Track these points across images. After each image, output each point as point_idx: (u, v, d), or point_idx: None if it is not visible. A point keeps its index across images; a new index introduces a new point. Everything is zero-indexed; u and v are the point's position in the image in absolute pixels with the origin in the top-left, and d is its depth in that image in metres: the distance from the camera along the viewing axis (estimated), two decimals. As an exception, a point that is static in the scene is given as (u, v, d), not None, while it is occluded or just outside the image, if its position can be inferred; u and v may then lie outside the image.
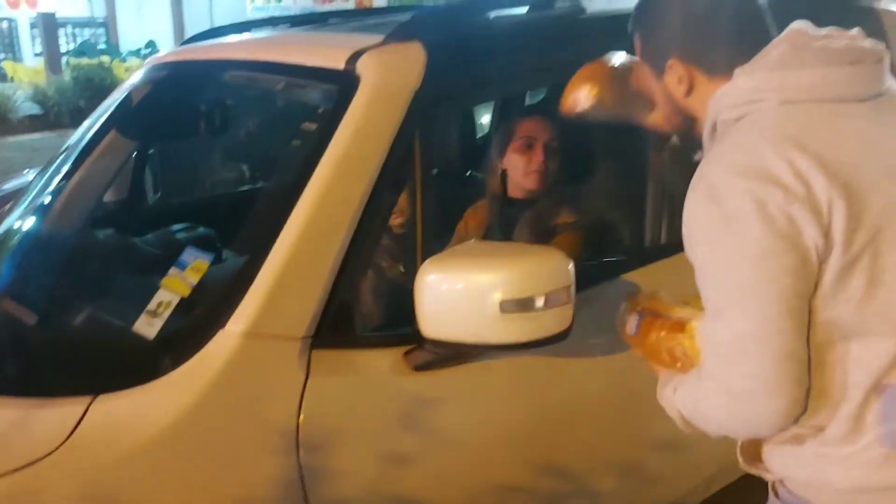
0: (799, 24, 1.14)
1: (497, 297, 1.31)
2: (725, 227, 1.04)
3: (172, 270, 1.45)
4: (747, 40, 1.15)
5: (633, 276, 1.79)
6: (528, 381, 1.59)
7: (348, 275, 1.41)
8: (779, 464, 1.18)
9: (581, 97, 1.57)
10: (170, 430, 1.26)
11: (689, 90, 1.22)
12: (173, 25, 17.54)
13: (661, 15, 1.24)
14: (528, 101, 2.71)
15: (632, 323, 1.35)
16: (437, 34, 1.61)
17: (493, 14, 1.77)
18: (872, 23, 2.44)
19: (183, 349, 1.33)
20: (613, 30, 1.84)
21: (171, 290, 1.44)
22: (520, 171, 2.05)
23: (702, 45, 1.20)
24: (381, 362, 1.44)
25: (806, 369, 1.04)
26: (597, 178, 2.23)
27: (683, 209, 1.16)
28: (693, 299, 1.40)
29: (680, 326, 1.27)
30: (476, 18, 1.71)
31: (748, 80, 1.11)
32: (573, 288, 1.37)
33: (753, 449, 1.24)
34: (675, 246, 1.85)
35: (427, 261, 1.37)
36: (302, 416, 1.33)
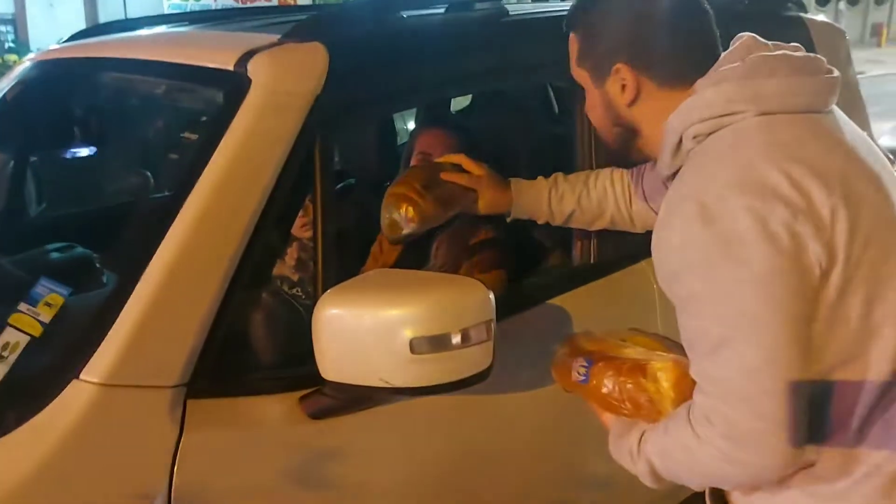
0: (749, 35, 1.10)
1: (407, 334, 1.13)
2: (723, 250, 0.94)
3: (22, 305, 1.22)
4: (701, 51, 1.09)
5: (563, 301, 1.66)
6: (444, 423, 1.42)
7: (233, 309, 1.21)
8: None
9: (400, 220, 1.51)
10: (10, 500, 1.04)
11: (634, 99, 1.13)
12: (87, 23, 16.77)
13: (609, 15, 1.14)
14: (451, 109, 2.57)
15: (579, 370, 1.20)
16: (341, 35, 1.43)
17: (406, 14, 1.60)
18: (801, 33, 2.41)
19: (31, 401, 1.11)
20: (537, 33, 1.73)
21: (20, 329, 1.21)
22: None
23: (654, 52, 1.11)
24: (272, 410, 1.24)
25: (808, 404, 0.96)
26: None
27: (659, 236, 1.05)
28: (629, 336, 1.27)
29: (640, 369, 1.14)
30: (387, 18, 1.54)
31: (718, 92, 1.04)
32: (494, 322, 1.21)
33: (722, 494, 1.13)
34: (608, 264, 1.77)
35: (326, 293, 1.19)
36: (176, 478, 1.13)
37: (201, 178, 1.22)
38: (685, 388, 1.06)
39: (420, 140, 1.91)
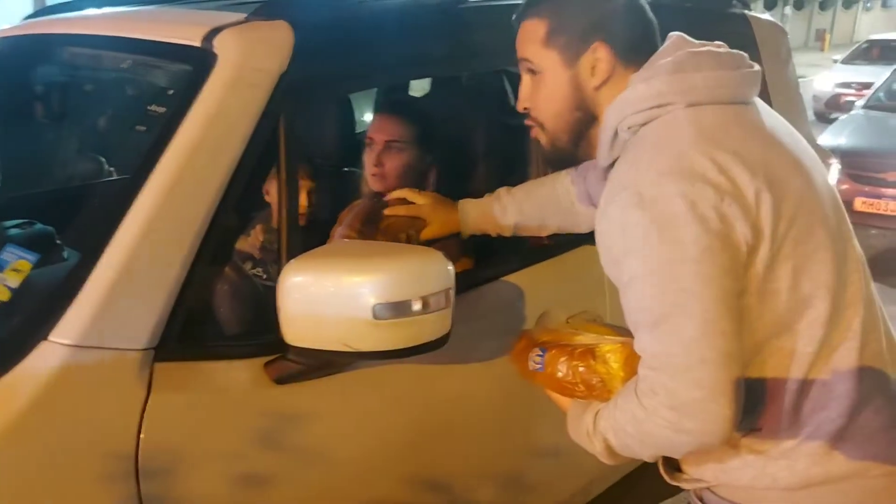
0: (678, 34, 1.17)
1: (370, 300, 1.19)
2: (659, 233, 1.02)
3: (-11, 271, 1.24)
4: (653, 39, 1.18)
5: (516, 278, 1.73)
6: (403, 391, 1.48)
7: (199, 277, 1.24)
8: (713, 472, 1.15)
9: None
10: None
11: (605, 81, 1.17)
12: (34, 6, 16.28)
13: None
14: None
15: (534, 359, 1.27)
16: (306, 14, 1.47)
17: (367, -2, 1.64)
18: (744, 30, 2.52)
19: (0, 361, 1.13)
20: (496, 20, 1.79)
21: (-13, 294, 1.22)
22: (367, 170, 1.95)
23: (628, 32, 1.16)
24: (238, 375, 1.28)
25: (744, 371, 1.03)
26: (474, 175, 2.15)
27: (601, 224, 1.12)
28: (582, 325, 1.35)
29: (590, 353, 1.21)
30: (349, 1, 1.58)
31: (649, 86, 1.11)
32: (453, 291, 1.27)
33: (675, 460, 1.19)
34: (559, 245, 1.84)
35: (291, 261, 1.24)
36: (143, 438, 1.16)
37: (169, 148, 1.25)
38: (633, 367, 1.12)
39: (371, 124, 1.94)
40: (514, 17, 1.24)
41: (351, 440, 1.41)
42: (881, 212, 5.30)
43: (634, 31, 1.17)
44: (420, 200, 1.64)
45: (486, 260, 1.79)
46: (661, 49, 1.16)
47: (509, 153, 2.02)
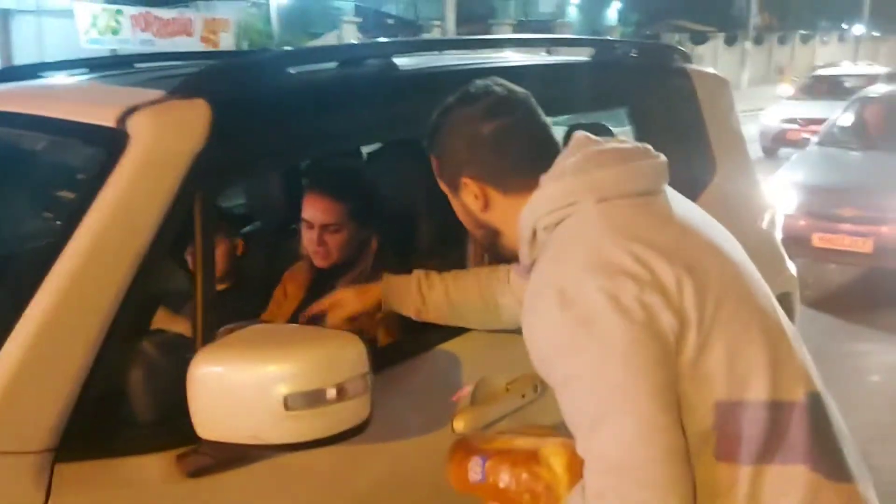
0: (582, 133, 1.22)
1: (281, 390, 1.15)
2: (585, 331, 1.01)
3: None
4: (540, 157, 1.20)
5: (453, 346, 1.69)
6: (328, 474, 1.43)
7: (106, 369, 1.19)
8: None
9: None
10: None
11: (486, 206, 1.24)
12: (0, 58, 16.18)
13: (448, 139, 1.25)
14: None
15: (474, 470, 1.23)
16: (226, 90, 1.44)
17: (295, 70, 1.63)
18: (685, 83, 2.55)
19: None
20: (427, 87, 1.78)
21: None
22: (309, 247, 1.95)
23: (492, 168, 1.22)
24: (148, 470, 1.22)
25: (689, 464, 1.01)
26: (419, 238, 2.13)
27: (526, 324, 1.11)
28: (520, 429, 1.32)
29: (532, 457, 1.18)
30: (275, 74, 1.56)
31: (558, 185, 1.15)
32: (370, 375, 1.23)
33: None
34: None
35: (200, 350, 1.20)
36: (41, 546, 1.10)
37: (74, 236, 1.21)
38: (578, 469, 1.09)
39: (304, 206, 1.93)
40: None
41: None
42: (838, 247, 5.36)
43: (504, 159, 1.21)
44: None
45: (417, 330, 1.76)
46: (566, 149, 1.20)
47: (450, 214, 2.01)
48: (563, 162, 1.17)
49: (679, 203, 1.19)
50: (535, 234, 1.16)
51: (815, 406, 1.11)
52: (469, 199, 1.25)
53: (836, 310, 5.16)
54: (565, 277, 1.05)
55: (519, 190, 1.20)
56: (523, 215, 1.17)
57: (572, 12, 32.38)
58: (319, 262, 1.98)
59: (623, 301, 1.00)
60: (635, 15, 32.76)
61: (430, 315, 1.58)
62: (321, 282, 2.02)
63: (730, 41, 28.45)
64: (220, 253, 2.07)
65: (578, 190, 1.12)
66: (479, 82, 1.26)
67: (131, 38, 14.27)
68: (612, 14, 33.66)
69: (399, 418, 1.55)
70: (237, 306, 1.99)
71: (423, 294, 1.56)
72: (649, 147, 1.20)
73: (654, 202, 1.15)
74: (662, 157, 1.19)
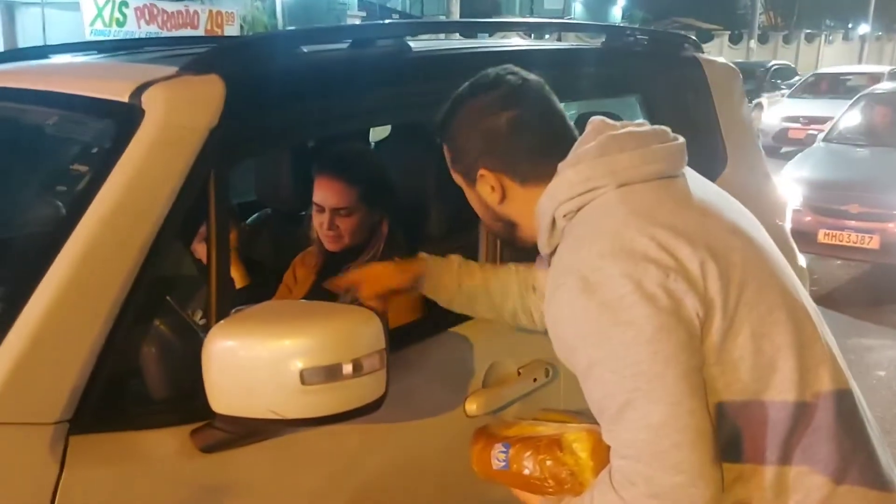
0: (598, 118, 1.20)
1: (297, 365, 1.14)
2: (609, 317, 1.00)
3: None
4: (557, 145, 1.18)
5: (466, 329, 1.68)
6: (342, 453, 1.42)
7: (121, 343, 1.19)
8: None
9: None
10: None
11: (503, 198, 1.22)
12: (4, 46, 16.18)
13: (463, 130, 1.22)
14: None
15: (498, 457, 1.22)
16: (241, 67, 1.43)
17: (308, 49, 1.62)
18: (696, 73, 2.54)
19: None
20: (440, 70, 1.77)
21: None
22: (320, 231, 1.94)
23: (509, 158, 1.20)
24: (163, 444, 1.22)
25: (717, 447, 1.00)
26: (430, 222, 2.12)
27: (550, 313, 1.10)
28: (541, 414, 1.31)
29: (556, 444, 1.17)
30: (289, 52, 1.55)
31: (577, 172, 1.12)
32: (386, 351, 1.23)
33: None
34: None
35: (216, 325, 1.19)
36: (55, 517, 1.09)
37: (88, 210, 1.20)
38: (602, 455, 1.09)
39: (315, 186, 1.92)
40: None
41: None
42: (844, 243, 5.35)
43: (521, 149, 1.19)
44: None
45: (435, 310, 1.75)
46: (583, 135, 1.18)
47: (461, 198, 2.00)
48: (581, 148, 1.15)
49: (698, 184, 1.17)
50: (554, 222, 1.15)
51: (840, 393, 1.10)
52: (485, 191, 1.23)
53: (842, 306, 5.15)
54: (588, 264, 1.03)
55: (536, 179, 1.18)
56: (542, 203, 1.16)
57: (578, 9, 32.34)
58: (330, 246, 1.97)
59: (648, 287, 0.99)
60: (640, 12, 32.70)
61: (462, 303, 1.51)
62: (331, 266, 2.01)
63: (735, 40, 28.39)
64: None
65: (598, 175, 1.11)
66: (492, 71, 1.23)
67: (136, 30, 14.25)
68: (616, 11, 33.62)
69: (412, 399, 1.55)
70: (249, 295, 1.99)
71: (460, 281, 1.50)
72: (667, 129, 1.18)
73: (673, 185, 1.13)
74: (681, 139, 1.17)
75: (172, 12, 15.14)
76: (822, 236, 5.42)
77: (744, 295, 1.04)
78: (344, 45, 1.71)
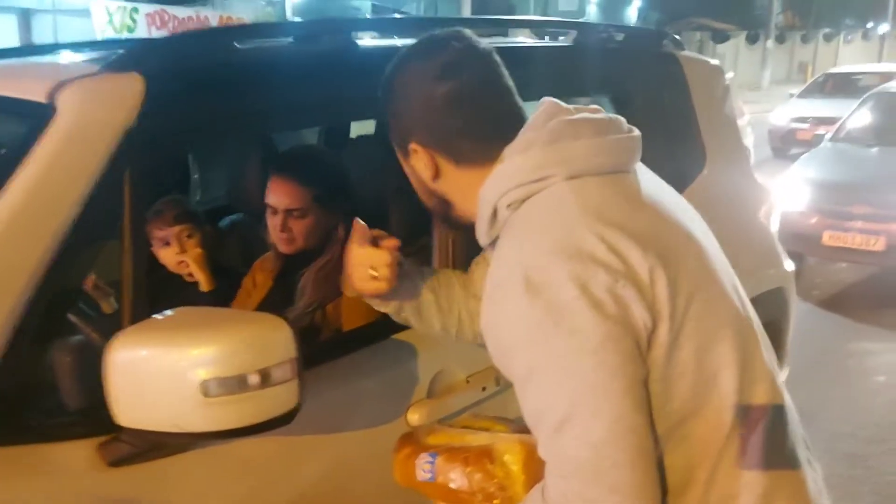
0: (550, 99, 1.09)
1: (198, 376, 1.08)
2: (554, 322, 0.92)
3: None
4: (501, 125, 1.07)
5: (411, 335, 1.62)
6: (271, 464, 1.36)
7: (23, 353, 1.14)
8: None
9: None
10: None
11: (436, 175, 1.11)
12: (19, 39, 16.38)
13: (400, 99, 1.11)
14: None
15: (423, 468, 1.16)
16: (166, 64, 1.39)
17: (243, 45, 1.56)
18: (675, 70, 2.46)
19: None
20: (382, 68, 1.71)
21: None
22: (273, 233, 1.89)
23: (443, 135, 1.09)
24: (71, 458, 1.17)
25: (656, 467, 0.94)
26: (389, 226, 2.06)
27: (487, 313, 1.02)
28: (471, 421, 1.24)
29: (486, 455, 1.11)
30: (220, 48, 1.50)
31: (526, 158, 1.03)
32: (298, 361, 1.17)
33: None
34: None
35: (118, 334, 1.14)
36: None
37: (-8, 210, 1.16)
38: (535, 468, 1.03)
39: (268, 191, 1.86)
40: None
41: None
42: (849, 245, 5.22)
43: (457, 127, 1.07)
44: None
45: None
46: (533, 117, 1.08)
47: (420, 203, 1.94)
48: (531, 132, 1.05)
49: (649, 182, 1.08)
50: (495, 211, 1.05)
51: (775, 413, 1.04)
52: (419, 166, 1.12)
53: (845, 309, 5.03)
54: (532, 261, 0.95)
55: (474, 161, 1.08)
56: (484, 191, 1.05)
57: (592, 11, 32.17)
58: (283, 248, 1.92)
59: (595, 293, 0.91)
60: (656, 13, 32.48)
61: (411, 310, 1.38)
62: (288, 270, 1.96)
63: (752, 40, 28.14)
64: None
65: (549, 163, 1.01)
66: (439, 34, 1.10)
67: (147, 35, 14.36)
68: (632, 13, 33.40)
69: (351, 408, 1.49)
70: (213, 299, 1.95)
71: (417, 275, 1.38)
72: (622, 119, 1.09)
73: (625, 180, 1.04)
74: (636, 132, 1.08)
75: (183, 18, 15.24)
76: (826, 238, 5.29)
77: (691, 307, 0.97)
78: (289, 41, 1.66)
